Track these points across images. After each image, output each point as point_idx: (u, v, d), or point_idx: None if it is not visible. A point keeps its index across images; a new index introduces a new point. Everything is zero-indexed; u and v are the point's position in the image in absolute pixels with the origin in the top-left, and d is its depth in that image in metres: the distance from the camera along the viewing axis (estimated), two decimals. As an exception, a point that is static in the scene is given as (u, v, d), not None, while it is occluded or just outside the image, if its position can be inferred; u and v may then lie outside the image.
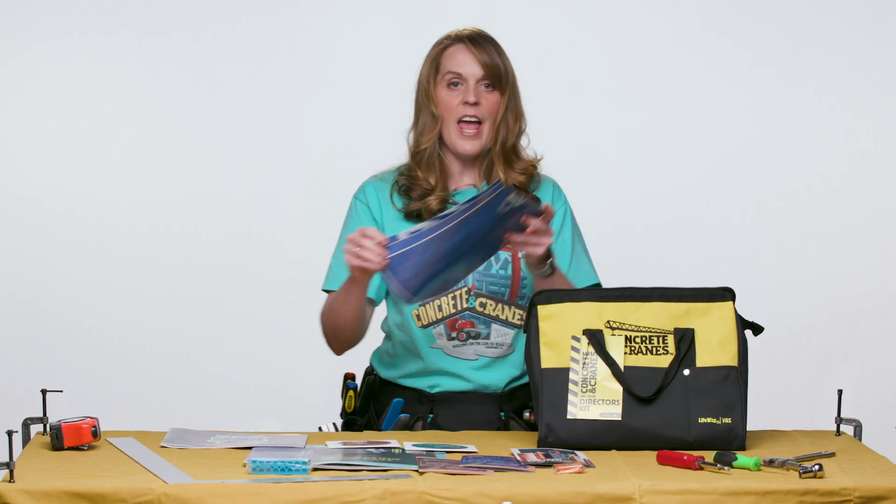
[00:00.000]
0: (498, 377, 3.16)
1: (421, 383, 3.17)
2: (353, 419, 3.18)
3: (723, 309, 2.92)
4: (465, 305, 3.14)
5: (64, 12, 4.72)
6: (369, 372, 3.26)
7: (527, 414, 3.13)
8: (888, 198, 4.84)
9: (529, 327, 2.93)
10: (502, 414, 3.13)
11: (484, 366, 3.16)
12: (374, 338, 3.27)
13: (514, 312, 3.15)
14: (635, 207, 4.84)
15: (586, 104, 4.82)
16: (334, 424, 3.14)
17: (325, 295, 3.17)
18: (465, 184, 3.20)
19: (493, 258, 3.14)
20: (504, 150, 3.16)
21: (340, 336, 3.12)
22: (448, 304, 3.14)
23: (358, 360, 3.32)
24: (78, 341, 4.77)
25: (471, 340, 3.14)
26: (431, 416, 3.14)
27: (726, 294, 2.94)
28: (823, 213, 4.84)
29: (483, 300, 3.15)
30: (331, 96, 4.78)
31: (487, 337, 3.15)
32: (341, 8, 4.78)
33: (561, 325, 2.91)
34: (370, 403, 3.21)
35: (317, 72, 4.79)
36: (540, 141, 4.74)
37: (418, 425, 3.12)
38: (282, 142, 4.81)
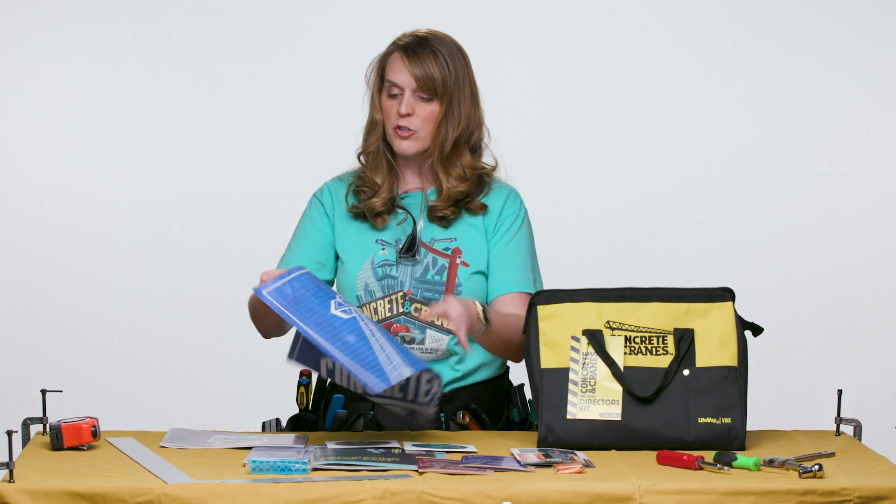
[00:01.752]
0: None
1: None
2: (305, 416, 3.19)
3: (722, 309, 2.92)
4: (400, 310, 3.16)
5: (64, 13, 4.73)
6: None
7: (460, 415, 3.12)
8: (888, 198, 4.84)
9: (529, 327, 2.93)
10: (442, 415, 3.13)
11: None
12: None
13: None
14: (635, 208, 4.84)
15: (586, 104, 4.82)
16: (277, 421, 3.16)
17: None
18: (412, 187, 3.23)
19: (430, 264, 3.16)
20: (441, 157, 3.17)
21: (264, 327, 3.21)
22: (384, 307, 3.16)
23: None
24: (78, 341, 4.78)
25: (405, 345, 3.14)
26: (372, 412, 3.14)
27: (726, 294, 2.94)
28: (823, 213, 4.84)
29: (418, 305, 3.15)
30: (331, 96, 4.78)
31: (422, 342, 3.16)
32: (341, 8, 4.79)
33: (560, 326, 2.91)
34: (321, 400, 3.23)
35: (317, 72, 4.80)
36: (540, 141, 4.76)
37: (359, 423, 3.11)
38: (282, 141, 4.81)
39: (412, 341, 3.16)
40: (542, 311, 2.93)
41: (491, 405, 3.18)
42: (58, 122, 4.76)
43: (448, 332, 3.15)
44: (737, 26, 4.81)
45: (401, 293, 3.16)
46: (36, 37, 4.73)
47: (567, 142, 4.82)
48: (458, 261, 3.17)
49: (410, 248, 3.17)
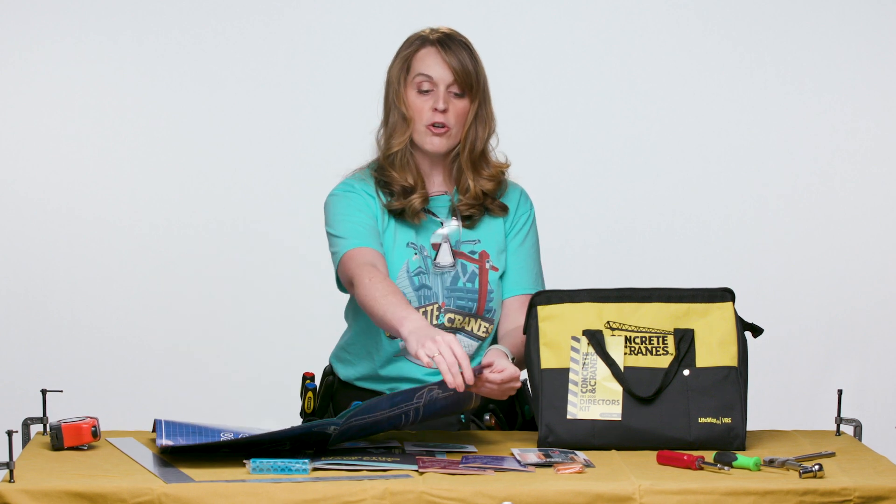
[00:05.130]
0: None
1: (381, 387, 3.16)
2: (312, 420, 3.16)
3: (722, 309, 2.92)
4: (434, 323, 3.13)
5: (64, 13, 4.73)
6: (328, 372, 3.25)
7: (486, 417, 3.12)
8: (888, 198, 4.84)
9: (529, 328, 2.93)
10: (462, 417, 3.12)
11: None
12: (332, 336, 3.27)
13: (480, 325, 3.16)
14: (635, 208, 4.84)
15: (586, 104, 4.82)
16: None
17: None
18: (436, 190, 3.19)
19: (460, 270, 3.14)
20: (472, 157, 3.15)
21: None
22: None
23: (318, 360, 3.32)
24: (78, 341, 4.78)
25: None
26: None
27: (726, 294, 2.94)
28: (823, 213, 4.84)
29: (452, 315, 3.14)
30: (330, 96, 4.78)
31: None
32: (341, 8, 4.79)
33: (561, 326, 2.91)
34: (329, 404, 3.21)
35: (317, 72, 4.80)
36: (541, 142, 4.76)
37: None
38: (282, 141, 4.81)
39: None
40: (542, 311, 2.93)
41: (503, 404, 3.17)
42: (58, 122, 4.76)
43: (478, 338, 3.16)
44: (737, 26, 4.81)
45: (436, 305, 3.13)
46: (36, 37, 4.73)
47: (567, 142, 4.82)
48: (487, 265, 3.16)
49: (447, 258, 3.14)
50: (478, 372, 2.84)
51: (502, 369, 2.87)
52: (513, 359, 2.98)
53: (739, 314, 2.94)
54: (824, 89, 4.81)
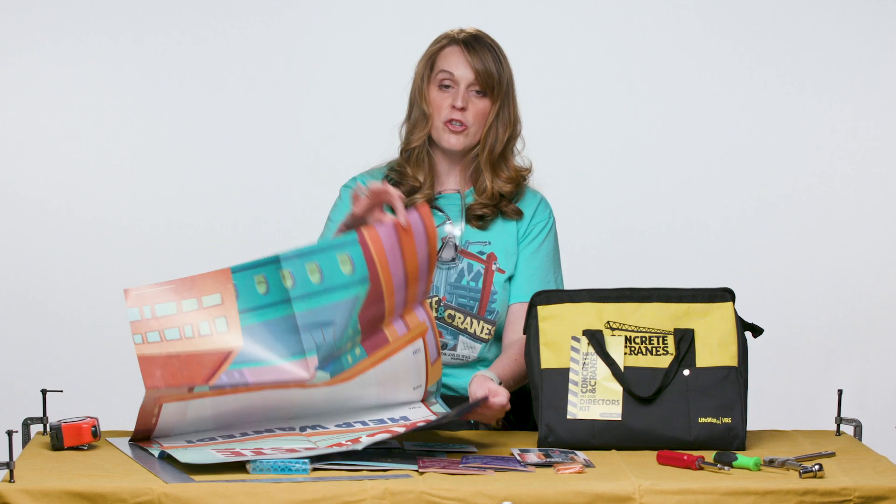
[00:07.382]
0: (465, 382, 3.15)
1: None
2: None
3: (722, 309, 2.92)
4: (434, 315, 3.14)
5: (64, 13, 4.73)
6: None
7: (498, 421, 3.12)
8: (888, 198, 4.84)
9: (529, 327, 2.93)
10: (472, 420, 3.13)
11: (449, 371, 3.15)
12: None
13: (483, 327, 3.16)
14: (635, 208, 4.84)
15: (586, 105, 4.82)
16: None
17: None
18: (450, 188, 3.20)
19: (465, 269, 3.15)
20: (491, 158, 3.16)
21: None
22: None
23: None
24: (78, 341, 4.77)
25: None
26: None
27: (726, 294, 2.94)
28: (823, 213, 4.84)
29: (452, 312, 3.15)
30: (330, 95, 4.78)
31: (454, 348, 3.16)
32: (341, 8, 4.79)
33: (561, 326, 2.91)
34: None
35: (316, 71, 4.80)
36: (540, 142, 4.74)
37: None
38: (282, 141, 4.81)
39: (444, 346, 3.14)
40: (542, 311, 2.93)
41: (517, 405, 3.17)
42: (58, 122, 4.76)
43: (481, 339, 3.15)
44: (737, 26, 4.81)
45: (436, 298, 3.14)
46: (36, 37, 4.73)
47: (567, 142, 4.82)
48: (493, 267, 3.16)
49: (449, 253, 3.15)
50: (469, 408, 2.84)
51: (497, 393, 2.87)
52: (500, 382, 2.99)
53: (739, 314, 2.94)
54: (824, 89, 4.81)
